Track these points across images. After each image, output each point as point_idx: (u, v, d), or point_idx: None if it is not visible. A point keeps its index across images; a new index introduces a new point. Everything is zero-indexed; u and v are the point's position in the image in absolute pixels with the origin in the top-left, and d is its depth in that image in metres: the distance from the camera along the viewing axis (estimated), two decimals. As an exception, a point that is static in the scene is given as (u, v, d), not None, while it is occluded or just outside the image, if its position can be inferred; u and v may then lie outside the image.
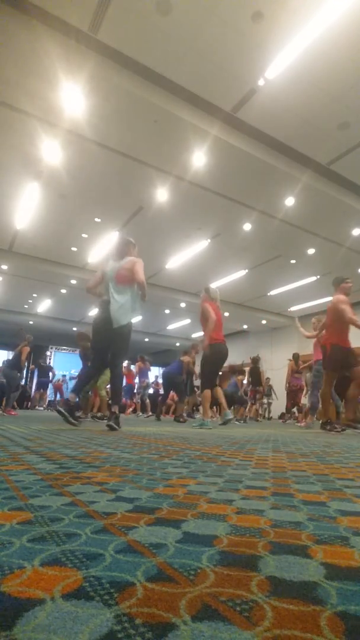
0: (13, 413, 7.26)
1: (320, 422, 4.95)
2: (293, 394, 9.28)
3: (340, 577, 0.44)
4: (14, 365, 7.39)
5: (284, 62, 4.57)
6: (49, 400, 14.14)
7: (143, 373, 10.92)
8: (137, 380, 11.68)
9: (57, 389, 14.84)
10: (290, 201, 7.25)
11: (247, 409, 9.82)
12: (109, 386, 6.14)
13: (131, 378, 12.11)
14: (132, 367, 12.50)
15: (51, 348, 19.49)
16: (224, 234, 8.90)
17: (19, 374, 7.49)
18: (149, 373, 11.22)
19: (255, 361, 9.68)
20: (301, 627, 0.34)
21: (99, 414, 6.21)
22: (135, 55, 4.66)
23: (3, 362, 7.96)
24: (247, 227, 8.39)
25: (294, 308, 14.33)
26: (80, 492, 0.86)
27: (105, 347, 3.64)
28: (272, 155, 6.17)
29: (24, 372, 8.24)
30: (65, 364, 16.96)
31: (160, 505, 0.75)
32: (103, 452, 1.65)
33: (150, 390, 14.37)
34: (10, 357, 7.77)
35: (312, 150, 6.20)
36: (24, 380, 14.62)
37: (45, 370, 13.16)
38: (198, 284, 11.62)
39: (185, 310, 14.53)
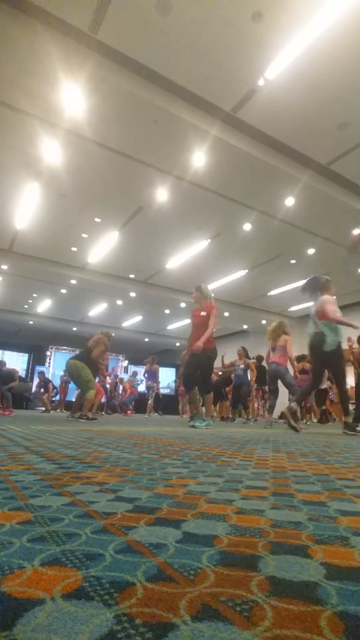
0: (7, 412, 7.28)
1: None
2: None
3: (340, 577, 0.44)
4: None
5: (284, 62, 4.57)
6: (52, 401, 13.97)
7: (150, 375, 10.86)
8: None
9: (62, 391, 14.69)
10: (290, 201, 7.25)
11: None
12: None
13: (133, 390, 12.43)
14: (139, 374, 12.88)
15: (51, 348, 19.49)
16: (224, 234, 8.90)
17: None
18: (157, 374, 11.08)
19: (260, 359, 9.65)
20: (301, 627, 0.34)
21: (89, 414, 6.03)
22: (135, 55, 4.66)
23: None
24: (247, 227, 8.39)
25: (294, 308, 14.33)
26: (80, 492, 0.86)
27: (319, 365, 4.53)
28: (272, 155, 6.17)
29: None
30: (63, 365, 16.95)
31: (160, 505, 0.75)
32: (103, 452, 1.64)
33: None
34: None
35: (312, 150, 6.20)
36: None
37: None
38: (198, 284, 11.62)
39: (186, 310, 14.53)
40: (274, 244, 9.28)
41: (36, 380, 18.06)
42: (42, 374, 13.03)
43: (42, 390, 12.72)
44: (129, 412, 12.30)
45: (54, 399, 13.82)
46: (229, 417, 8.59)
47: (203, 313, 5.04)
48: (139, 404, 14.73)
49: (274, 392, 6.02)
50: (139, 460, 1.41)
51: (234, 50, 4.52)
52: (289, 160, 6.33)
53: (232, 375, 8.48)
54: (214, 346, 5.01)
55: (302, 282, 12.04)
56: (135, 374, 13.47)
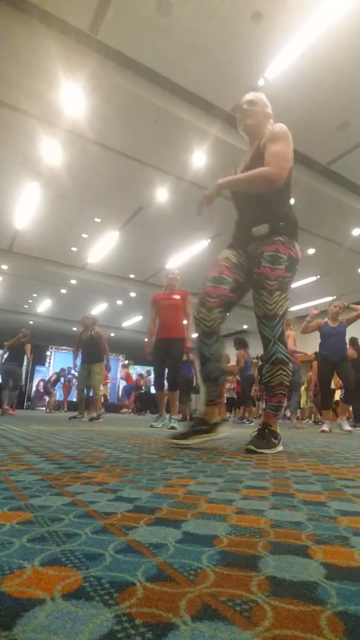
0: (11, 412, 7.26)
1: None
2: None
3: (340, 577, 0.44)
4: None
5: (283, 62, 4.57)
6: (57, 401, 13.85)
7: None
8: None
9: (66, 389, 14.62)
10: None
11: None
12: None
13: (131, 379, 12.37)
14: (131, 369, 12.87)
15: (51, 348, 19.47)
16: (224, 234, 8.89)
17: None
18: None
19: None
20: (301, 627, 0.34)
21: (94, 414, 6.13)
22: (135, 55, 4.66)
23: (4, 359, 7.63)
24: (247, 227, 8.38)
25: (294, 308, 14.32)
26: (80, 492, 0.86)
27: None
28: (272, 155, 6.17)
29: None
30: (64, 365, 16.99)
31: (160, 505, 0.75)
32: (103, 452, 1.64)
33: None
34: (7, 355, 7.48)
35: (312, 150, 6.20)
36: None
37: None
38: (198, 283, 11.61)
39: (185, 311, 14.52)
40: (274, 244, 9.27)
41: (35, 380, 18.06)
42: (63, 370, 13.40)
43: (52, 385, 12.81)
44: (125, 410, 12.31)
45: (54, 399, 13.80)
46: (244, 418, 8.19)
47: (176, 296, 4.90)
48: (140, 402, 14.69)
49: None
50: (139, 460, 1.41)
51: (234, 50, 4.52)
52: (288, 160, 6.33)
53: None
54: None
55: (302, 282, 12.09)
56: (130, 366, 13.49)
